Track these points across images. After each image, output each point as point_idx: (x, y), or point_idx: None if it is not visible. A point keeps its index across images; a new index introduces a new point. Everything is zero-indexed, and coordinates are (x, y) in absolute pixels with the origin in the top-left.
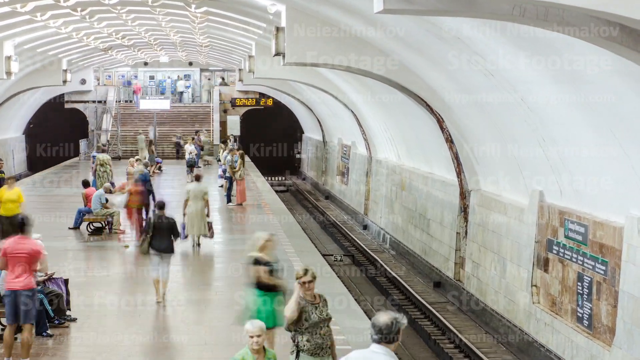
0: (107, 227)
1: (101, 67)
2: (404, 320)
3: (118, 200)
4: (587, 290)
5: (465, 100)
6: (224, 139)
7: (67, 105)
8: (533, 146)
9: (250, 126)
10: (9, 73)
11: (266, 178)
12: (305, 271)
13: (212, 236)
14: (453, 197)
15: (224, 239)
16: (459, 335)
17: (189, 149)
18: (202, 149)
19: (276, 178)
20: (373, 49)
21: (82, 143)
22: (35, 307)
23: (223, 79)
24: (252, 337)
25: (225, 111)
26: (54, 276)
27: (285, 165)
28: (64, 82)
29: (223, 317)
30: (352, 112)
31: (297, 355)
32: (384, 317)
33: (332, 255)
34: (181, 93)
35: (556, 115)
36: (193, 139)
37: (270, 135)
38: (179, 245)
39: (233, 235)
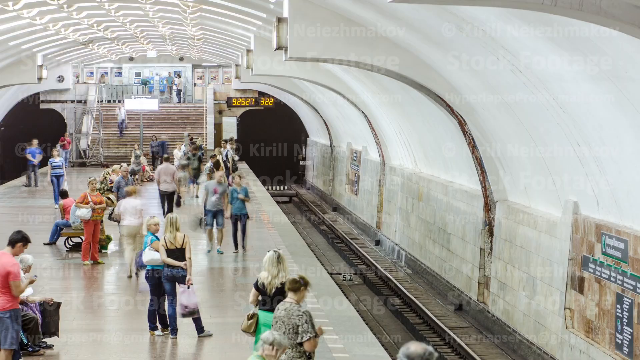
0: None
1: (81, 63)
2: (436, 354)
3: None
4: (627, 314)
5: (490, 99)
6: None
7: (42, 106)
8: (566, 151)
9: (248, 129)
10: None
11: (266, 187)
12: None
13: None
14: (476, 209)
15: (217, 257)
16: None
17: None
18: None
19: (277, 187)
20: (387, 43)
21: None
22: (6, 331)
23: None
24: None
25: (220, 112)
26: (27, 300)
27: (288, 172)
28: (39, 79)
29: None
30: (363, 113)
31: None
32: (416, 347)
33: (340, 274)
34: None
35: (593, 116)
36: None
37: (270, 139)
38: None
39: (229, 247)
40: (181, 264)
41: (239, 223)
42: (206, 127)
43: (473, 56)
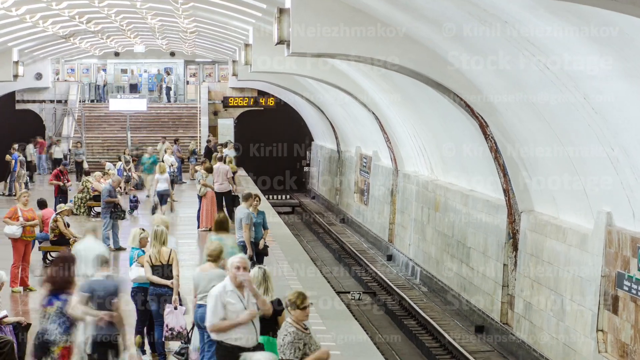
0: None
1: (61, 59)
2: None
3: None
4: None
5: (514, 99)
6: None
7: (18, 106)
8: (599, 156)
9: (246, 131)
10: None
11: (266, 196)
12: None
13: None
14: (499, 220)
15: None
16: None
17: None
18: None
19: (278, 196)
20: (400, 37)
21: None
22: None
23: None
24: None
25: (215, 113)
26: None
27: (288, 174)
28: (15, 76)
29: None
30: (373, 114)
31: None
32: None
33: (348, 292)
34: (169, 89)
35: (628, 118)
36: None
37: (271, 143)
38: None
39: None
40: (167, 282)
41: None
42: (200, 130)
43: (496, 51)
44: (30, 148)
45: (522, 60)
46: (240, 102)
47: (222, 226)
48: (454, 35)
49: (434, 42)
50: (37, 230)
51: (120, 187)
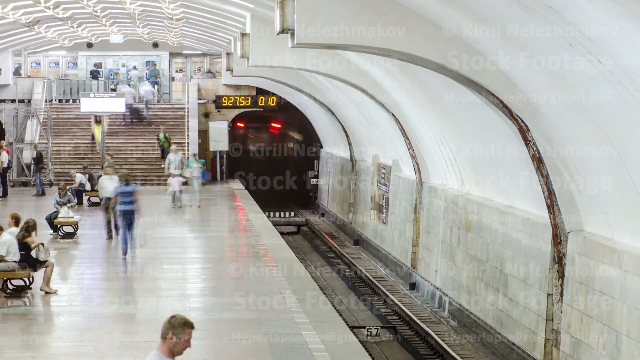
0: (30, 285)
1: (24, 51)
2: None
3: None
4: None
5: (561, 100)
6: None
7: None
8: None
9: (243, 136)
10: None
11: (267, 213)
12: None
13: None
14: (542, 242)
15: (205, 303)
16: None
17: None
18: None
19: (281, 213)
20: (425, 24)
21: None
22: None
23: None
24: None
25: (206, 115)
26: None
27: (296, 194)
28: None
29: None
30: (394, 116)
31: None
32: None
33: (364, 327)
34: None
35: None
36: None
37: (272, 150)
38: None
39: (219, 299)
40: None
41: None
42: (188, 135)
43: (537, 41)
44: None
45: (570, 51)
46: (236, 102)
47: None
48: (489, 24)
49: (466, 31)
50: None
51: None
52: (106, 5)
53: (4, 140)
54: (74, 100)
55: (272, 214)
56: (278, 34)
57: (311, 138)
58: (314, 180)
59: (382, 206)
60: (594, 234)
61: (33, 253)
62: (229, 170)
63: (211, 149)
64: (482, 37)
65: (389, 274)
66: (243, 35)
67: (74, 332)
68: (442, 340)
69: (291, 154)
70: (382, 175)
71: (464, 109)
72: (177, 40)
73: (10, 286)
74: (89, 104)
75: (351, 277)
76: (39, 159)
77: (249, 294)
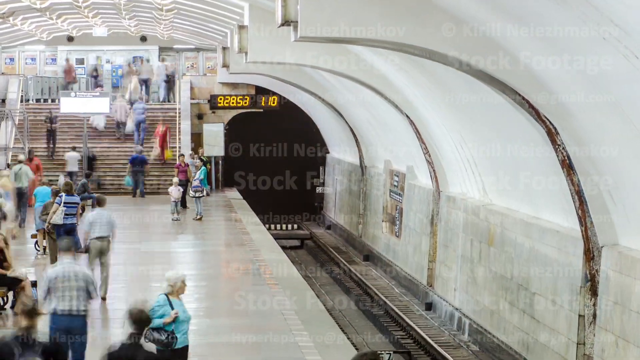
0: (5, 305)
1: None
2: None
3: None
4: None
5: (594, 99)
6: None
7: None
8: None
9: (241, 140)
10: None
11: (267, 226)
12: None
13: None
14: (573, 257)
15: (199, 325)
16: None
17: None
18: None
19: (283, 226)
20: (444, 15)
21: None
22: None
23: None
24: None
25: (200, 117)
26: None
27: (299, 204)
28: None
29: None
30: (408, 118)
31: None
32: None
33: (376, 352)
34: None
35: None
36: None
37: (273, 156)
38: None
39: (213, 320)
40: None
41: None
42: (179, 139)
43: (570, 36)
44: None
45: (603, 45)
46: (233, 103)
47: None
48: (514, 15)
49: (486, 24)
50: None
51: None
52: None
53: None
54: (53, 100)
55: (273, 226)
56: (280, 27)
57: (316, 142)
58: (319, 189)
59: (395, 217)
60: (631, 249)
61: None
62: (225, 178)
63: (205, 154)
64: (507, 31)
65: (403, 293)
66: (241, 27)
67: None
68: None
69: (297, 162)
70: (395, 183)
71: (486, 109)
72: (167, 34)
73: None
74: (70, 105)
75: (360, 295)
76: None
77: (247, 314)
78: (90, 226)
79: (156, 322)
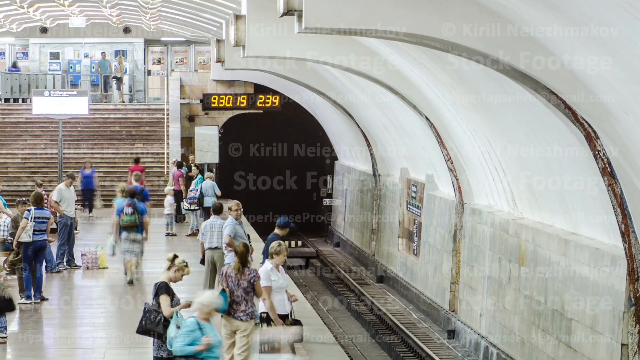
0: None
1: None
2: None
3: None
4: None
5: (637, 98)
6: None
7: None
8: None
9: (238, 145)
10: None
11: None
12: None
13: None
14: (615, 279)
15: None
16: None
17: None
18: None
19: (287, 242)
20: (464, 4)
21: None
22: None
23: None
24: None
25: (191, 118)
26: None
27: (304, 219)
28: None
29: None
30: (428, 120)
31: None
32: None
33: None
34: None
35: None
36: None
37: (275, 164)
38: None
39: None
40: None
41: None
42: (168, 144)
43: (606, 25)
44: None
45: None
46: (229, 102)
47: None
48: (548, 5)
49: (517, 13)
50: None
51: None
52: None
53: None
54: (24, 100)
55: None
56: (282, 16)
57: (323, 148)
58: (326, 201)
59: (413, 233)
60: None
61: None
62: (220, 188)
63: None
64: (540, 19)
65: (422, 319)
66: (237, 17)
67: None
68: None
69: (301, 170)
70: (413, 195)
71: (516, 110)
72: (154, 25)
73: None
74: (43, 105)
75: (373, 322)
76: None
77: None
78: (202, 236)
79: (187, 349)
